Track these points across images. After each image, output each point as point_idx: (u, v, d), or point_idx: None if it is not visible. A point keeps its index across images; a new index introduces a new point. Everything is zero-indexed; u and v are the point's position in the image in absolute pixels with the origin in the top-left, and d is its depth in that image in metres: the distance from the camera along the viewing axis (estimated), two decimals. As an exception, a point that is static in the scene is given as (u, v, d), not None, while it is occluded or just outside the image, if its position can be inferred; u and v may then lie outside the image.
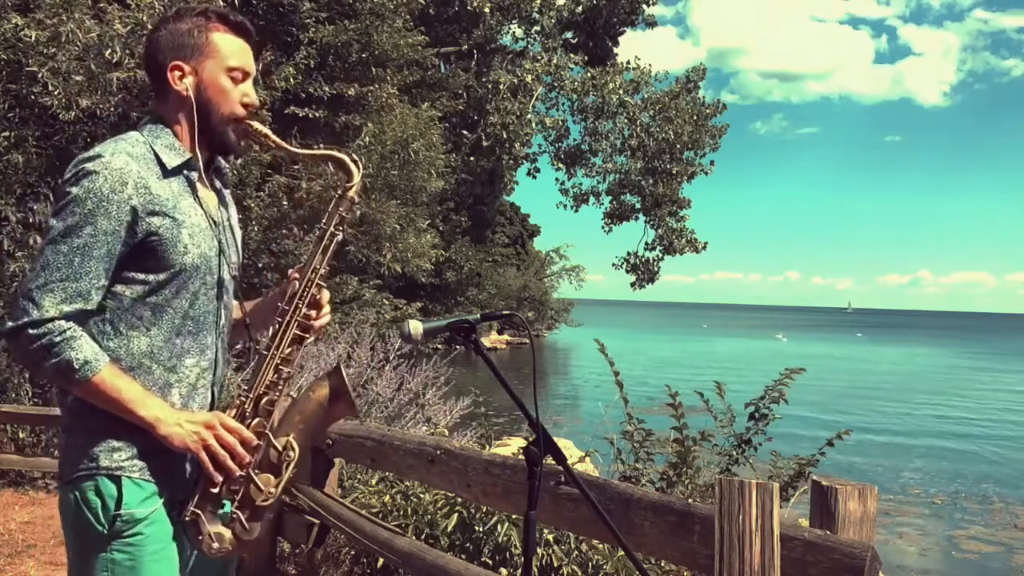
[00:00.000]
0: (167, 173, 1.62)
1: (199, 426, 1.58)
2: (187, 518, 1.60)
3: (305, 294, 1.70)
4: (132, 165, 1.56)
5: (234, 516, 1.62)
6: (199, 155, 1.69)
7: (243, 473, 1.61)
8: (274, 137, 1.75)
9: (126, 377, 1.56)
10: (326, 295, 1.75)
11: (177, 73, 1.65)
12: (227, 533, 1.62)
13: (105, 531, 1.55)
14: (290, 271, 1.77)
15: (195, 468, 1.63)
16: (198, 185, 1.69)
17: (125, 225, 1.54)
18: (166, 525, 1.61)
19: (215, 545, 1.60)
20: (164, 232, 1.58)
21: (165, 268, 1.59)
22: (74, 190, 1.53)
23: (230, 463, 1.59)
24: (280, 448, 1.64)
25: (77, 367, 1.50)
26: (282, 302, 1.72)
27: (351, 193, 1.74)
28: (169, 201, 1.60)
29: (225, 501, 1.63)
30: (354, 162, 1.75)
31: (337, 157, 1.76)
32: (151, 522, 1.57)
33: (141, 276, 1.59)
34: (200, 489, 1.61)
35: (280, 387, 1.68)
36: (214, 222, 1.70)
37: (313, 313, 1.72)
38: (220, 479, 1.59)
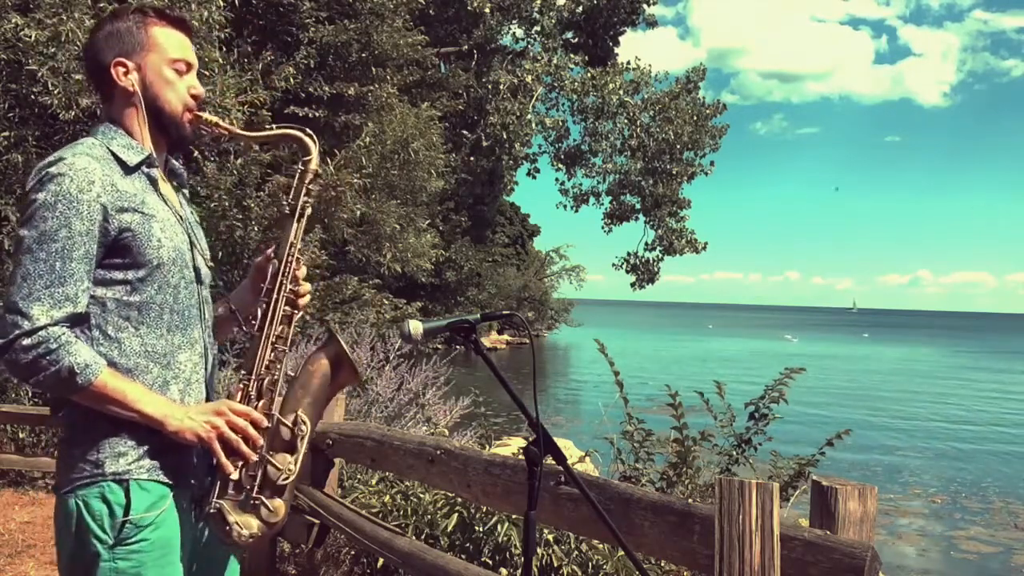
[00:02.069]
0: (128, 171, 1.60)
1: (209, 414, 1.56)
2: (211, 511, 1.56)
3: (287, 270, 1.70)
4: (95, 164, 1.53)
5: (255, 501, 1.58)
6: (156, 151, 1.67)
7: (257, 457, 1.58)
8: (225, 125, 1.76)
9: (126, 378, 1.53)
10: (303, 270, 1.75)
11: (121, 69, 1.63)
12: (253, 519, 1.58)
13: (110, 539, 1.50)
14: (267, 251, 1.76)
15: (208, 460, 1.60)
16: (159, 181, 1.68)
17: (98, 224, 1.51)
18: (172, 528, 1.57)
19: (244, 533, 1.56)
20: (136, 227, 1.56)
21: (143, 264, 1.57)
22: (41, 196, 1.49)
23: (244, 448, 1.57)
24: (291, 424, 1.62)
25: (78, 371, 1.46)
26: (263, 282, 1.71)
27: (312, 166, 1.76)
28: (137, 197, 1.58)
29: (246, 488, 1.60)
30: (309, 136, 1.76)
31: (292, 134, 1.77)
32: (156, 527, 1.54)
33: (120, 275, 1.56)
34: (220, 480, 1.58)
35: (279, 367, 1.66)
36: (180, 217, 1.70)
37: (300, 289, 1.72)
38: (232, 469, 1.56)
